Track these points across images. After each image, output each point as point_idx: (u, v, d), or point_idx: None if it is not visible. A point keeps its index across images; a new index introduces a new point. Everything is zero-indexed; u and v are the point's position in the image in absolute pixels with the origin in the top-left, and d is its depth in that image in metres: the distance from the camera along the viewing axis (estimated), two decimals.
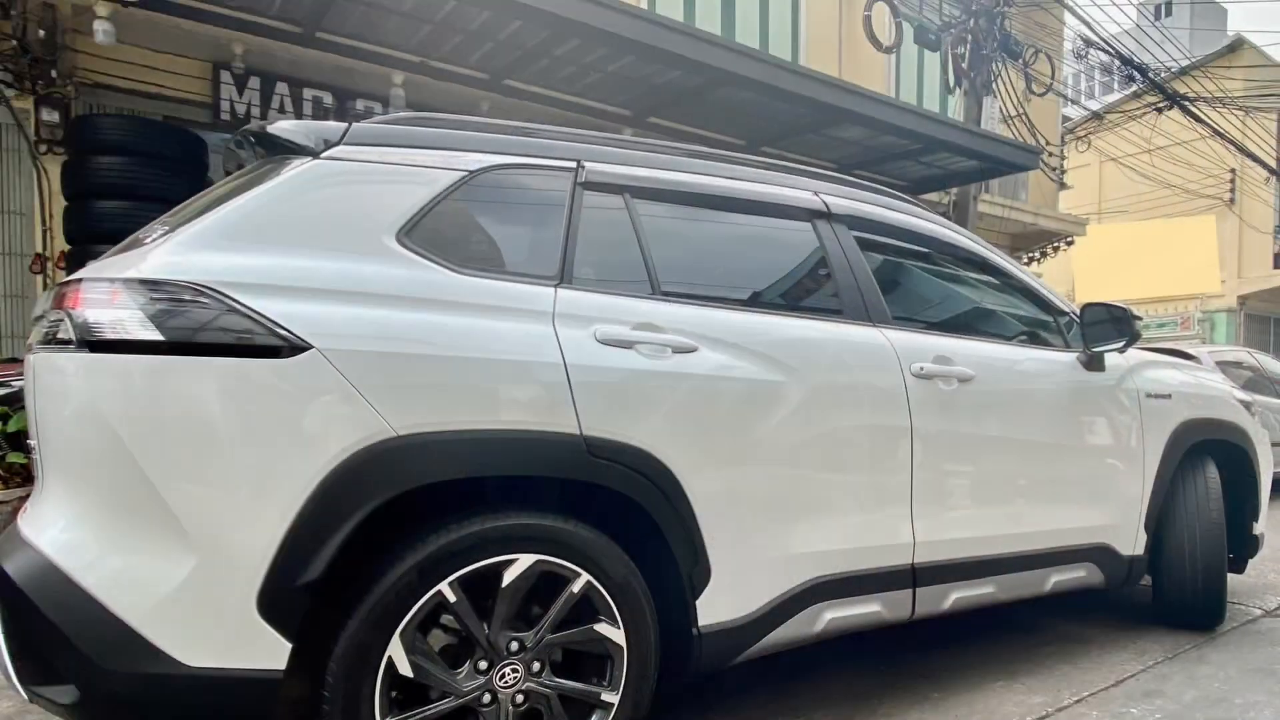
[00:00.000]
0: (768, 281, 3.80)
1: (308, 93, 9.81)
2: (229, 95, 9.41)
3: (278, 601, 2.42)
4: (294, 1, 8.56)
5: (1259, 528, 5.45)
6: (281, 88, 9.66)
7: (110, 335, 2.40)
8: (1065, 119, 23.74)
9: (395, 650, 2.57)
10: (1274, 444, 8.16)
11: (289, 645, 2.44)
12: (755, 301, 3.64)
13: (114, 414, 2.36)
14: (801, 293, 3.87)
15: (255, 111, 9.50)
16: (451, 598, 2.65)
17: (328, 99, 9.91)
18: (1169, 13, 61.41)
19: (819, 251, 3.87)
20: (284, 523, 2.42)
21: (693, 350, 3.19)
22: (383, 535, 2.64)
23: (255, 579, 2.39)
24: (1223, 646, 4.76)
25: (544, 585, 2.84)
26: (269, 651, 2.41)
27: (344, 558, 2.52)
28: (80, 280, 2.54)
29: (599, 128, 10.98)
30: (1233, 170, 28.41)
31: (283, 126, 2.98)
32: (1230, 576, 5.36)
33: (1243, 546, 5.44)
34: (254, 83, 9.50)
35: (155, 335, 2.39)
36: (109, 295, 2.44)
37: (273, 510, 2.42)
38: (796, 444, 3.41)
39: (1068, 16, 18.62)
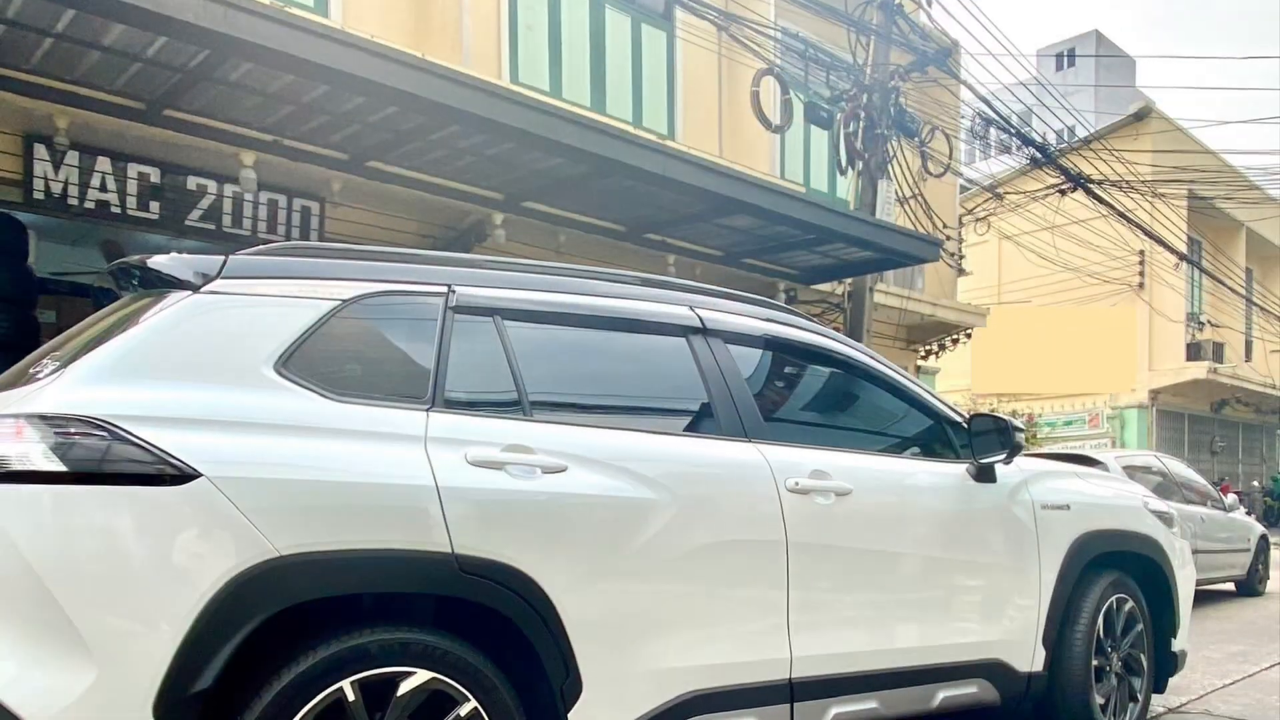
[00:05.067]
0: (641, 399, 4.29)
1: (133, 169, 9.69)
2: (44, 171, 9.26)
3: (173, 709, 2.83)
4: (146, 78, 8.51)
5: (1179, 644, 5.74)
6: (103, 163, 9.54)
7: (16, 466, 2.82)
8: (963, 188, 23.84)
9: None
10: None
11: None
12: (628, 420, 4.08)
13: (21, 538, 2.76)
14: (675, 410, 4.32)
15: (73, 190, 9.36)
16: (349, 697, 3.07)
17: (155, 176, 9.82)
18: (1071, 63, 61.43)
19: (693, 368, 4.29)
20: (177, 637, 2.84)
21: (562, 470, 3.63)
22: (272, 646, 3.05)
23: (151, 688, 2.80)
24: None
25: (426, 703, 3.25)
26: None
27: (235, 667, 2.93)
28: None
29: (466, 211, 11.38)
30: (1141, 252, 28.69)
31: (160, 261, 3.45)
32: None
33: (1162, 664, 5.72)
34: (71, 158, 9.37)
35: (58, 466, 2.82)
36: (14, 430, 2.85)
37: (167, 625, 2.84)
38: (669, 561, 3.83)
39: (965, 92, 19.29)
